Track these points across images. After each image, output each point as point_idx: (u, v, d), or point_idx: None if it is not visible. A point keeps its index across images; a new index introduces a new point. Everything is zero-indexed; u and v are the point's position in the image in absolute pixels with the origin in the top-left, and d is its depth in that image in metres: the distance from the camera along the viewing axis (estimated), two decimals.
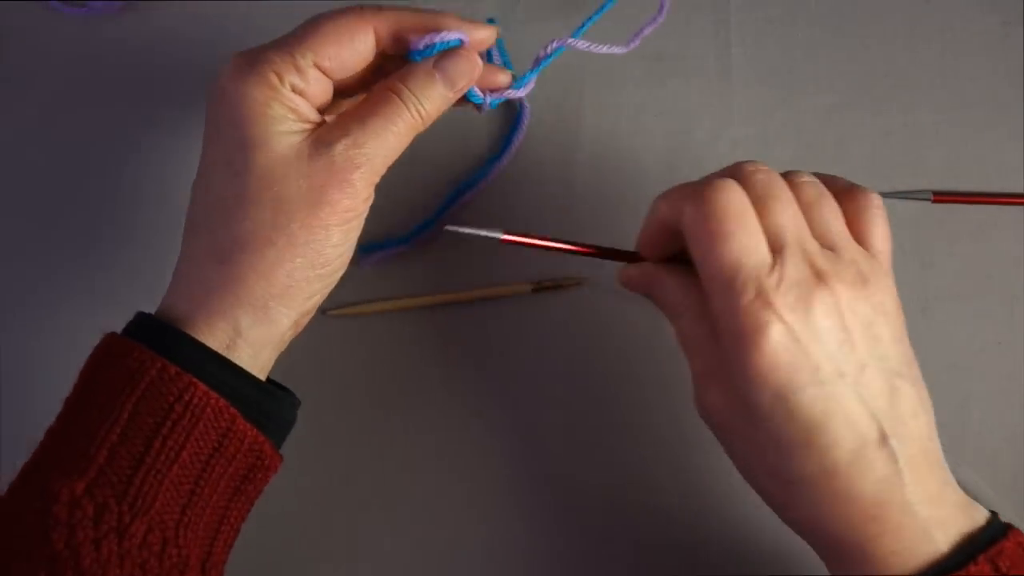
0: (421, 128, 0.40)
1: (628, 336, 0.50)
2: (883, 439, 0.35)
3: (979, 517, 0.36)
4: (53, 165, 0.52)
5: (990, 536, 0.35)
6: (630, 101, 0.52)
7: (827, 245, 0.37)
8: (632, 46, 0.46)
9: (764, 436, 0.36)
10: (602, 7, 0.45)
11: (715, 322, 0.36)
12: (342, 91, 0.42)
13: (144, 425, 0.36)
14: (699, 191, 0.37)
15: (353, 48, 0.39)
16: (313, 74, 0.39)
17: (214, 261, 0.38)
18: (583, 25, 0.44)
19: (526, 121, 0.51)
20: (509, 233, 0.42)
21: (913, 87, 0.52)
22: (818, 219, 0.38)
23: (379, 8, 0.40)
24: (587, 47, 0.44)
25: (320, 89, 0.40)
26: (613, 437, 0.49)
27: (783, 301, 0.35)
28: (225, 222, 0.38)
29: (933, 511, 0.35)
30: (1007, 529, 0.36)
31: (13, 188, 0.52)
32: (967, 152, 0.51)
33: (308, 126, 0.39)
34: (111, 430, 0.36)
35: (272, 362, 0.40)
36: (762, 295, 0.35)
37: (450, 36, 0.40)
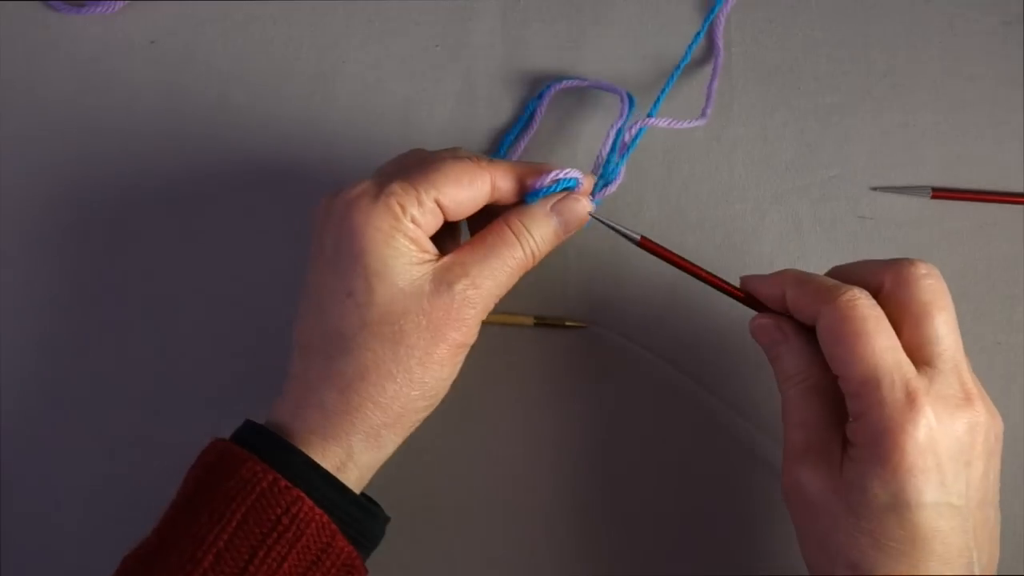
0: (530, 267, 0.42)
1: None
2: (970, 568, 0.37)
3: None
4: (53, 165, 0.52)
5: None
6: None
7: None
8: (708, 114, 0.47)
9: (865, 530, 0.37)
10: (669, 80, 0.47)
11: (853, 407, 0.37)
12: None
13: (251, 534, 0.37)
14: (840, 292, 0.38)
15: (472, 191, 0.41)
16: (431, 207, 0.40)
17: (333, 389, 0.39)
18: (657, 101, 0.46)
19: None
20: (647, 240, 0.43)
21: (913, 87, 0.52)
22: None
23: (494, 161, 0.42)
24: (668, 124, 0.46)
25: (435, 223, 0.41)
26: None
27: (932, 407, 0.36)
28: (346, 351, 0.39)
29: None
30: None
31: (13, 188, 0.52)
32: (967, 152, 0.51)
33: (427, 258, 0.40)
34: (219, 535, 0.37)
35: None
36: (912, 395, 0.36)
37: (572, 174, 0.42)
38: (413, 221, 0.39)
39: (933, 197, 0.51)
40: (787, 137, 0.52)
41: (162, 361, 0.50)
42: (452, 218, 0.41)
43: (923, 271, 0.39)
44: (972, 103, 0.52)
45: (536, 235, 0.41)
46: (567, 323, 0.50)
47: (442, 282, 0.39)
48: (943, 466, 0.36)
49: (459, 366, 0.41)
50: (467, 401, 0.49)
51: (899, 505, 0.36)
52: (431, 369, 0.39)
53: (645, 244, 0.43)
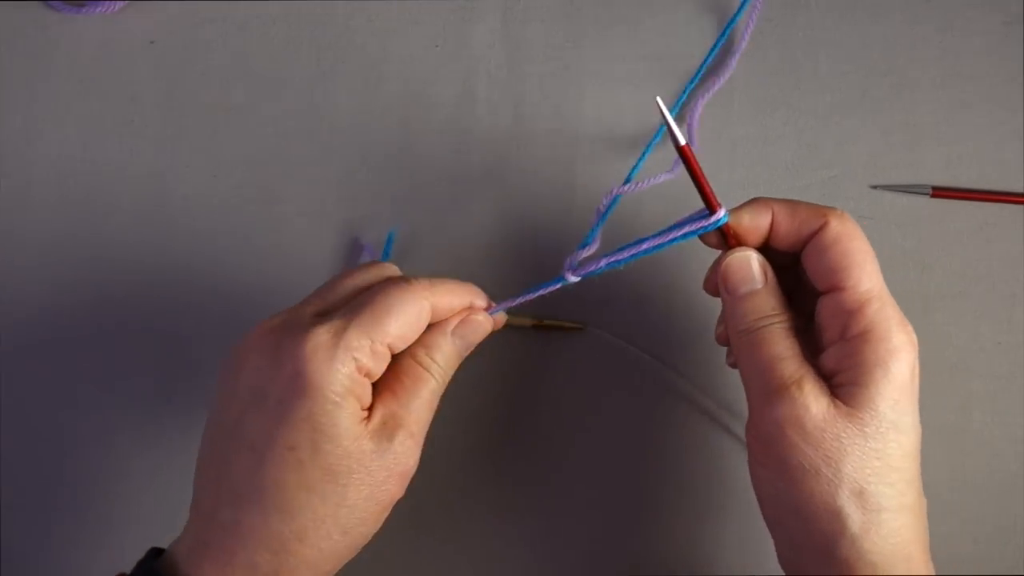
0: (443, 389, 0.42)
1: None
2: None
3: None
4: (53, 165, 0.52)
5: None
6: (630, 101, 0.52)
7: None
8: (677, 171, 0.47)
9: (869, 451, 0.37)
10: (646, 149, 0.47)
11: (857, 332, 0.38)
12: None
13: None
14: (840, 211, 0.39)
15: (419, 327, 0.40)
16: (383, 353, 0.39)
17: (267, 550, 0.37)
18: (633, 168, 0.46)
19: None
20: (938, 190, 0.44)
21: (913, 87, 0.52)
22: None
23: (432, 283, 0.41)
24: (645, 185, 0.45)
25: (382, 368, 0.40)
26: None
27: (912, 332, 0.38)
28: (283, 509, 0.37)
29: None
30: None
31: (12, 188, 0.52)
32: (967, 152, 0.51)
33: (365, 413, 0.39)
34: None
35: None
36: (902, 318, 0.38)
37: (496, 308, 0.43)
38: (367, 374, 0.38)
39: (933, 196, 0.51)
40: (787, 137, 0.52)
41: (162, 361, 0.50)
42: (398, 350, 0.40)
43: (846, 222, 0.39)
44: (972, 103, 0.52)
45: (441, 361, 0.41)
46: (565, 325, 0.50)
47: (382, 439, 0.38)
48: (916, 390, 0.38)
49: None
50: (467, 401, 0.49)
51: (900, 423, 0.37)
52: (368, 526, 0.39)
53: (939, 194, 0.44)
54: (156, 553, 0.39)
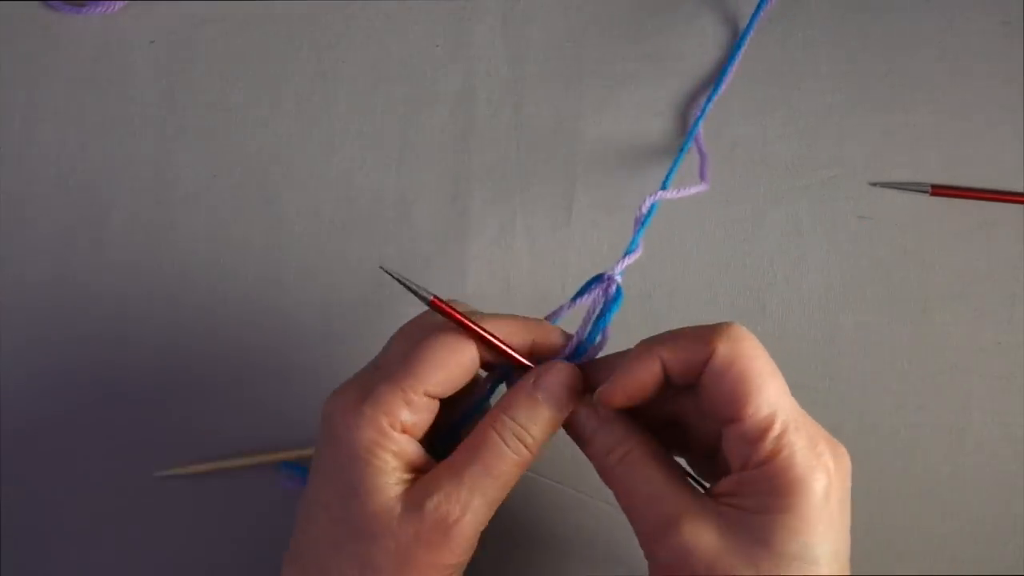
0: (532, 459, 0.37)
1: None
2: None
3: None
4: (52, 164, 0.52)
5: None
6: (630, 101, 0.52)
7: None
8: (706, 183, 0.47)
9: None
10: (679, 155, 0.46)
11: (756, 461, 0.34)
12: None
13: None
14: (729, 329, 0.35)
15: (460, 368, 0.37)
16: (424, 403, 0.37)
17: None
18: (668, 175, 0.45)
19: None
20: (439, 300, 0.37)
21: (913, 87, 0.52)
22: None
23: (482, 317, 0.38)
24: (677, 195, 0.44)
25: (430, 417, 0.37)
26: None
27: (826, 456, 0.34)
28: (318, 568, 0.37)
29: None
30: None
31: (12, 188, 0.52)
32: (967, 152, 0.51)
33: (411, 475, 0.37)
34: None
35: None
36: (812, 440, 0.34)
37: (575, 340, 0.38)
38: (404, 430, 0.36)
39: (933, 194, 0.51)
40: (787, 137, 0.52)
41: (162, 361, 0.50)
42: (445, 396, 0.37)
43: (735, 343, 0.35)
44: (972, 103, 0.52)
45: (524, 423, 0.37)
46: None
47: (412, 501, 0.36)
48: (836, 515, 0.34)
49: None
50: None
51: (806, 555, 0.33)
52: None
53: (436, 304, 0.37)
54: None
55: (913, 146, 0.51)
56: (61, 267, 0.51)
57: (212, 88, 0.53)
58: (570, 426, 0.38)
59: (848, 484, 0.35)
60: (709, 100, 0.50)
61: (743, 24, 0.53)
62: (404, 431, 0.36)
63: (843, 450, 0.35)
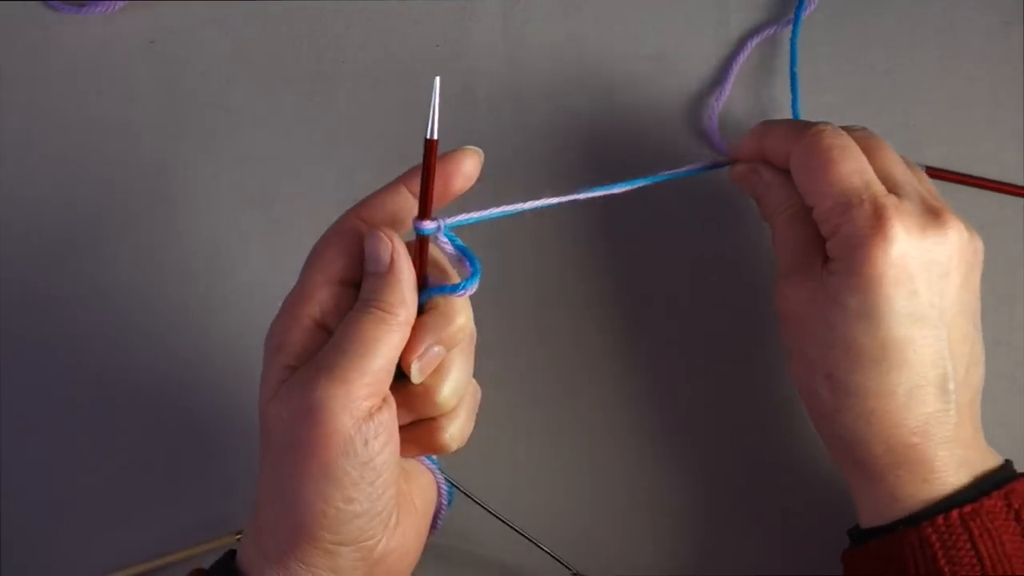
0: (393, 323, 0.35)
1: None
2: (945, 381, 0.39)
3: (996, 461, 0.41)
4: (52, 165, 0.52)
5: (1004, 477, 0.40)
6: (631, 101, 0.52)
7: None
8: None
9: (839, 339, 0.38)
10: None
11: (827, 229, 0.39)
12: None
13: None
14: (807, 129, 0.40)
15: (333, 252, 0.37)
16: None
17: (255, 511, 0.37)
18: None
19: None
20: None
21: (913, 87, 0.52)
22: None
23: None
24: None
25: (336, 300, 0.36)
26: None
27: (901, 222, 0.38)
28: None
29: (964, 451, 0.39)
30: (1020, 474, 0.40)
31: (12, 188, 0.52)
32: (967, 152, 0.51)
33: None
34: None
35: None
36: (880, 211, 0.38)
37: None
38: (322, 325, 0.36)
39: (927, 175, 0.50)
40: None
41: (161, 360, 0.50)
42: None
43: (846, 126, 0.42)
44: (972, 103, 0.52)
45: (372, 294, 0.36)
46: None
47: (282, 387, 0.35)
48: (914, 277, 0.38)
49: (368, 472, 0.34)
50: None
51: (869, 313, 0.38)
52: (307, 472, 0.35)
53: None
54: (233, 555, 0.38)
55: (913, 146, 0.51)
56: (61, 267, 0.51)
57: (212, 88, 0.53)
58: (753, 184, 0.44)
59: (963, 256, 0.39)
60: (718, 100, 0.50)
61: (743, 23, 0.53)
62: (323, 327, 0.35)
63: (951, 221, 0.39)
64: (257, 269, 0.51)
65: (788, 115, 0.51)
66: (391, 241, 0.35)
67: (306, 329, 0.35)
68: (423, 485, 0.40)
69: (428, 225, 0.36)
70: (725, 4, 0.53)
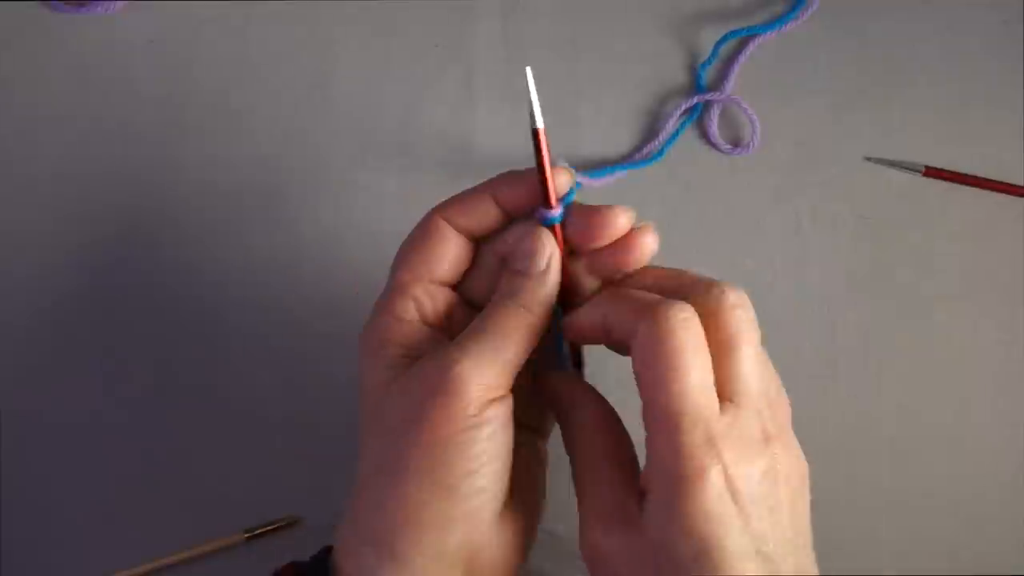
0: (536, 323, 0.36)
1: None
2: None
3: None
4: (52, 165, 0.52)
5: None
6: (630, 100, 0.52)
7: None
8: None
9: None
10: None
11: (651, 454, 0.34)
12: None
13: None
14: (657, 311, 0.34)
15: (437, 238, 0.38)
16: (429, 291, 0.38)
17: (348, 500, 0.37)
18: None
19: None
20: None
21: (913, 87, 0.52)
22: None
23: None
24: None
25: (441, 303, 0.38)
26: None
27: (731, 451, 0.33)
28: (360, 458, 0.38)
29: None
30: None
31: (12, 188, 0.52)
32: (967, 152, 0.51)
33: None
34: None
35: None
36: (710, 439, 0.33)
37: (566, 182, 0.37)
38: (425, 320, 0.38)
39: (925, 175, 0.51)
40: (786, 137, 0.52)
41: (161, 360, 0.50)
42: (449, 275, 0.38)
43: (732, 299, 0.35)
44: (972, 103, 0.52)
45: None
46: (277, 524, 0.47)
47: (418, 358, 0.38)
48: (745, 511, 0.33)
49: (482, 463, 0.35)
50: None
51: (704, 556, 0.32)
52: (427, 455, 0.36)
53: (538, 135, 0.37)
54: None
55: (913, 146, 0.51)
56: (61, 267, 0.51)
57: (212, 88, 0.53)
58: (559, 405, 0.39)
59: (790, 485, 0.35)
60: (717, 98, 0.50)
61: (743, 24, 0.53)
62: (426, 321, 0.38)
63: (780, 449, 0.34)
64: (257, 269, 0.51)
65: (788, 115, 0.51)
66: (551, 247, 0.37)
67: (407, 323, 0.37)
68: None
69: (555, 212, 0.37)
70: (726, 4, 0.53)
